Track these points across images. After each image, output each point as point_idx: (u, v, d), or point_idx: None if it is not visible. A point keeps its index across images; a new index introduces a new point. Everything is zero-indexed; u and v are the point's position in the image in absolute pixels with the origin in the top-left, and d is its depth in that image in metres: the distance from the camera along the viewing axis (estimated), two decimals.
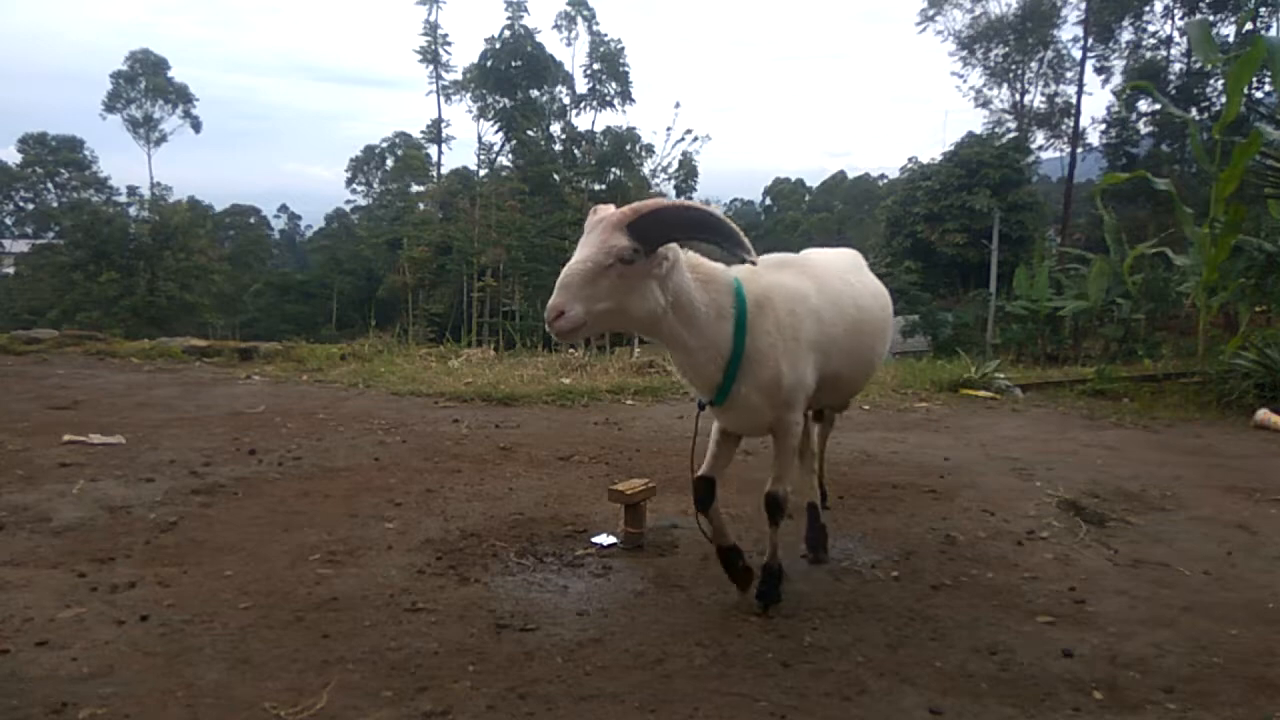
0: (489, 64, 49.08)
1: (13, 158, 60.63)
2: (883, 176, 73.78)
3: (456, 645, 3.33)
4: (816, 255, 4.19)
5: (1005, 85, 48.54)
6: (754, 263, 3.18)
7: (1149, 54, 44.86)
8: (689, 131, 52.50)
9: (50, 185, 61.01)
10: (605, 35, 51.95)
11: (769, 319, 3.45)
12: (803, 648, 3.39)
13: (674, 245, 3.20)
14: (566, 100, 52.45)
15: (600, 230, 3.08)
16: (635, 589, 3.93)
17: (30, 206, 61.10)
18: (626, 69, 51.96)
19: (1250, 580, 4.23)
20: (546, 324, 3.11)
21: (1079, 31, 45.14)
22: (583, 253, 3.07)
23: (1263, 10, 32.04)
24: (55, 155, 60.02)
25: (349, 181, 68.92)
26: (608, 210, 3.16)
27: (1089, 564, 4.39)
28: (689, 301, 3.30)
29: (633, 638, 3.44)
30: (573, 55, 53.05)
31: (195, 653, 3.22)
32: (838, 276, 3.89)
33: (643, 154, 52.44)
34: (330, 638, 3.36)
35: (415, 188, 61.27)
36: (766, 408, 3.50)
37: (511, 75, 48.94)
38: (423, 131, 56.56)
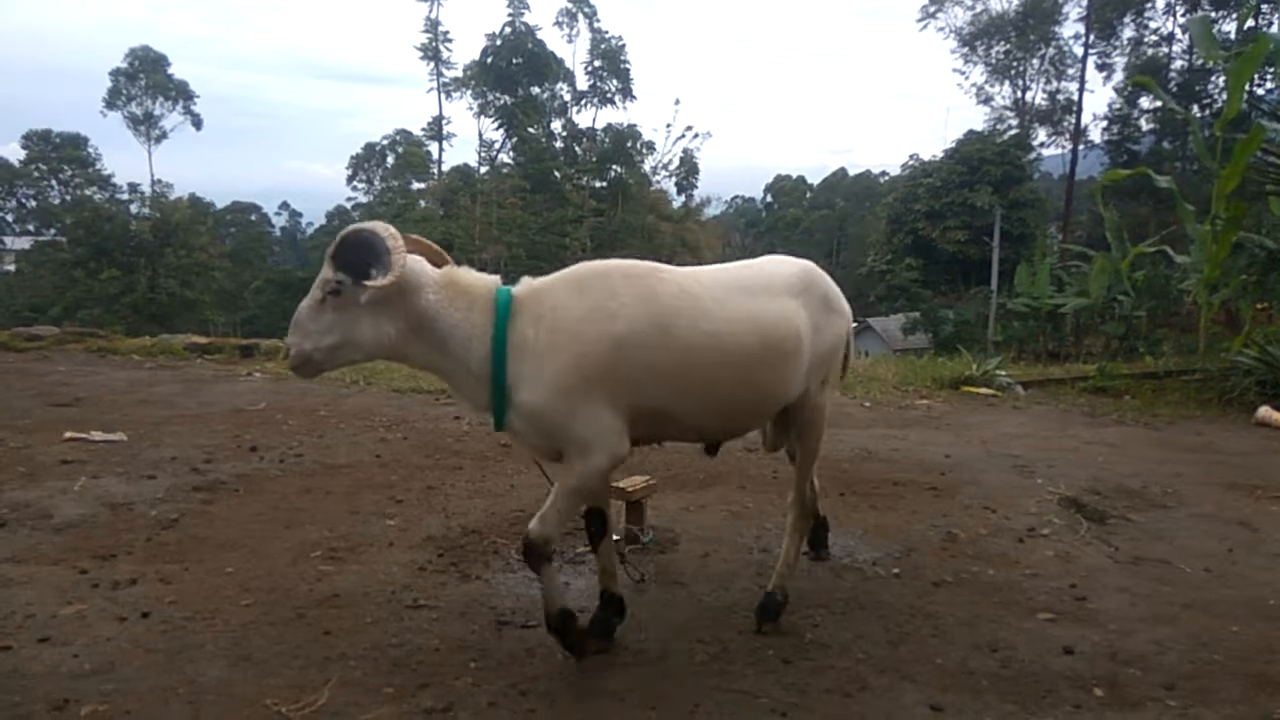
0: (490, 61, 49.07)
1: (17, 155, 60.57)
2: (884, 174, 73.69)
3: (458, 642, 3.34)
4: (706, 268, 3.57)
5: (1007, 82, 48.57)
6: (365, 286, 2.84)
7: (1150, 51, 44.87)
8: (690, 128, 52.89)
9: (54, 182, 60.88)
10: (606, 32, 51.99)
11: (534, 339, 3.03)
12: (803, 644, 3.39)
13: (408, 268, 2.91)
14: (567, 97, 52.47)
15: None
16: (637, 586, 3.93)
17: (33, 204, 60.98)
18: (627, 66, 51.96)
19: (1251, 577, 4.23)
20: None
21: (1080, 28, 45.19)
22: None
23: (1264, 7, 31.99)
24: (59, 152, 59.90)
25: (350, 179, 68.83)
26: None
27: (1090, 561, 4.39)
28: (433, 324, 3.02)
29: (633, 634, 3.44)
30: (574, 52, 53.04)
31: (197, 649, 3.22)
32: (685, 296, 3.18)
33: (644, 151, 52.56)
34: (332, 634, 3.37)
35: (416, 185, 61.23)
36: (540, 440, 3.12)
37: (512, 72, 48.94)
38: (423, 129, 56.57)
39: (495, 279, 3.18)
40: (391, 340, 3.01)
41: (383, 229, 2.93)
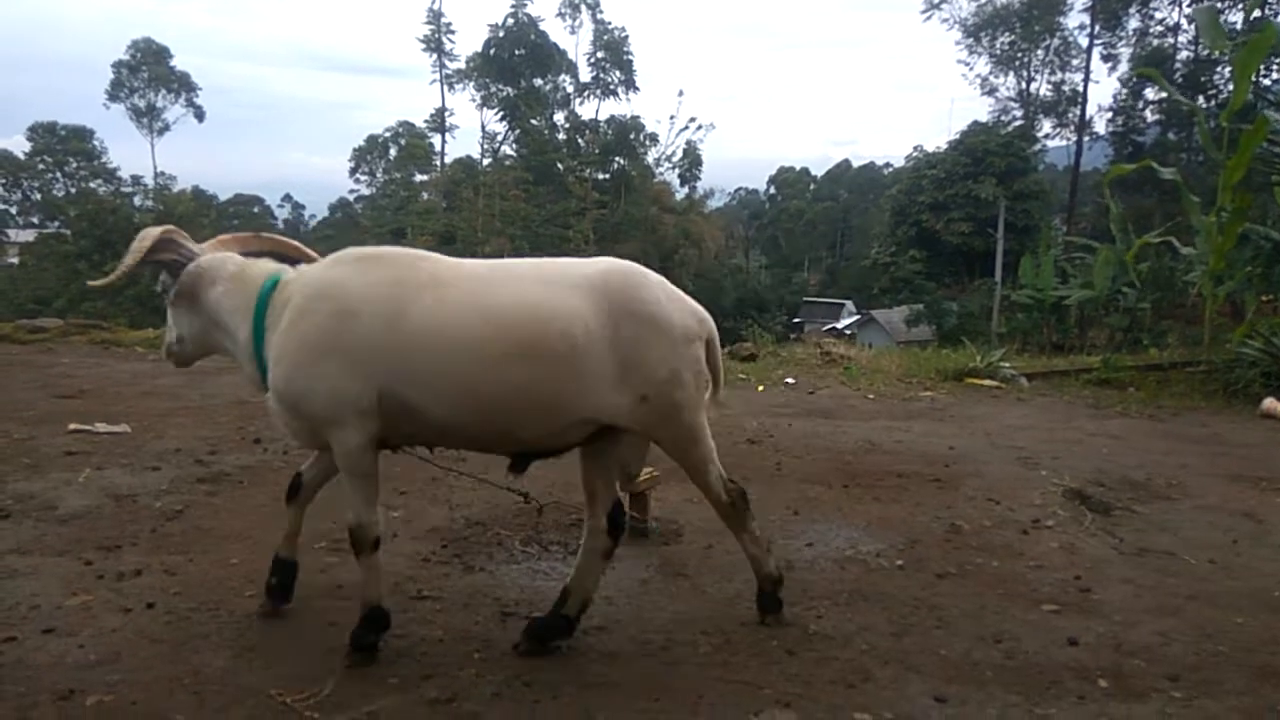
0: (492, 52, 48.94)
1: (22, 147, 60.48)
2: (888, 165, 73.58)
3: (462, 632, 3.34)
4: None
5: (1011, 73, 48.41)
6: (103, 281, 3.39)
7: (1156, 41, 44.69)
8: (693, 120, 52.76)
9: (59, 175, 60.78)
10: (609, 23, 51.79)
11: (283, 317, 3.10)
12: (807, 635, 3.39)
13: (199, 266, 3.28)
14: (570, 89, 52.32)
15: None
16: (640, 577, 3.93)
17: (38, 196, 60.90)
18: (630, 57, 51.80)
19: (1256, 569, 4.23)
20: None
21: (1086, 19, 45.01)
22: None
23: None
24: (65, 145, 59.81)
25: (353, 171, 68.79)
26: None
27: (1094, 552, 4.39)
28: (218, 315, 3.28)
29: (638, 625, 3.44)
30: (576, 43, 53.09)
31: (201, 640, 3.23)
32: (434, 284, 3.07)
33: (647, 143, 52.46)
34: (336, 625, 3.36)
35: (419, 177, 61.14)
36: (294, 422, 3.15)
37: (515, 64, 48.81)
38: (426, 120, 56.39)
39: (279, 267, 3.31)
40: (200, 332, 3.37)
41: (137, 239, 3.28)
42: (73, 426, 6.21)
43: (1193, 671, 3.18)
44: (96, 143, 60.73)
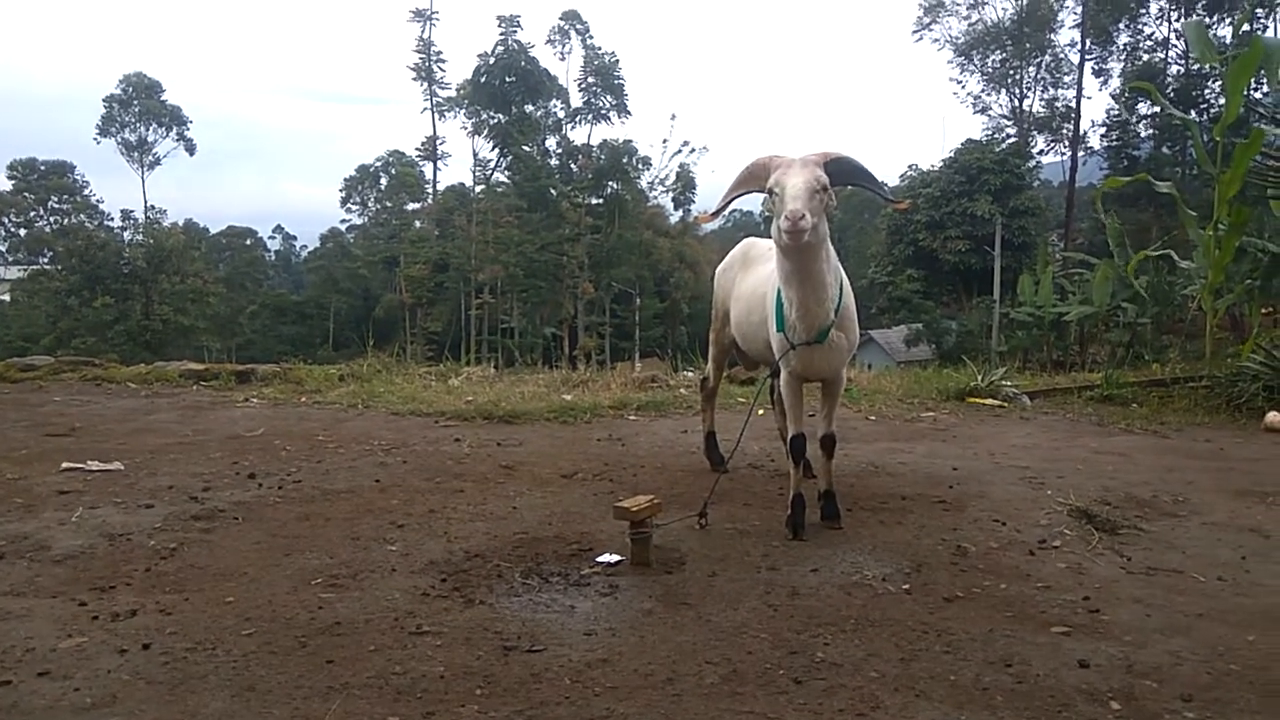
0: (483, 80, 49.29)
1: (2, 184, 60.42)
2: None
3: (463, 668, 3.28)
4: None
5: (1004, 91, 48.77)
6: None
7: (1146, 56, 45.09)
8: (686, 143, 53.03)
9: (42, 211, 60.72)
10: (599, 48, 52.18)
11: None
12: (815, 664, 3.33)
13: None
14: (561, 114, 52.67)
15: None
16: (643, 608, 3.87)
17: (22, 233, 60.79)
18: (621, 81, 52.18)
19: (1266, 585, 4.17)
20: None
21: (1076, 35, 45.39)
22: None
23: (1259, 11, 32.13)
24: (46, 180, 59.75)
25: (344, 201, 68.97)
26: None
27: (1102, 572, 4.33)
28: None
29: (641, 657, 3.38)
30: (567, 69, 53.32)
31: (198, 681, 3.16)
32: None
33: (640, 167, 52.72)
34: (334, 663, 3.30)
35: (411, 205, 61.32)
36: None
37: (506, 91, 49.12)
38: (417, 149, 56.56)
39: None
40: None
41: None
42: (65, 465, 6.15)
43: (1206, 691, 3.12)
44: (77, 177, 60.73)
